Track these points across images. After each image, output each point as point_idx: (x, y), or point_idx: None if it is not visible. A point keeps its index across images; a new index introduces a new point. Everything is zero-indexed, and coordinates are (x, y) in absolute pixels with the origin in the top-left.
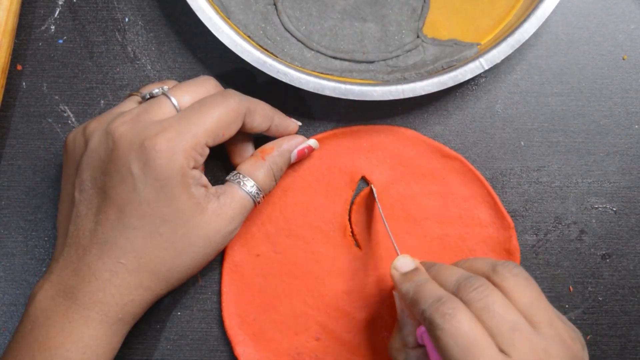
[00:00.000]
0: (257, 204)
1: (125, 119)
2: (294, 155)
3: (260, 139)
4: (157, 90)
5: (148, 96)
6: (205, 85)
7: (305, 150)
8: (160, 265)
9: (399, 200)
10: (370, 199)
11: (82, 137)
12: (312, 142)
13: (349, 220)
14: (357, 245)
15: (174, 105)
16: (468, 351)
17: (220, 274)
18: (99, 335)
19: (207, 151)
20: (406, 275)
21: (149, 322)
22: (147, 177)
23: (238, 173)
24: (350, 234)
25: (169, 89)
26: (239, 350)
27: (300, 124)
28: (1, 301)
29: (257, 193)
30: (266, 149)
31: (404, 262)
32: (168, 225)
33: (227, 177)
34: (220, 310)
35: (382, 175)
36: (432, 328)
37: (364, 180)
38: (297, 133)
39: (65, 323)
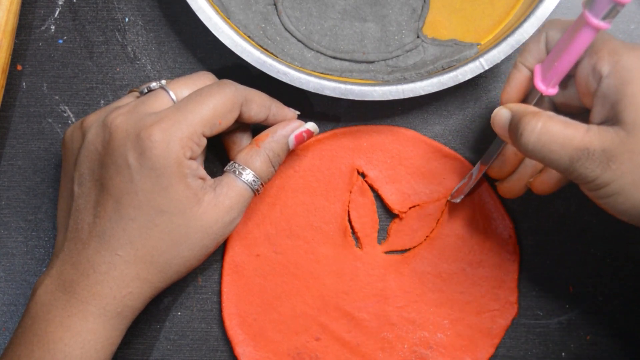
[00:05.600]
0: (257, 192)
1: (122, 111)
2: (292, 140)
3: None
4: (155, 84)
5: (146, 90)
6: (203, 80)
7: (304, 134)
8: (156, 256)
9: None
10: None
11: (79, 131)
12: (310, 125)
13: (349, 220)
14: (358, 245)
15: (172, 98)
16: None
17: (220, 274)
18: (98, 329)
19: (204, 141)
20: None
21: (149, 322)
22: (143, 167)
23: (234, 163)
24: (351, 234)
25: (167, 82)
26: (239, 350)
27: (299, 112)
28: (1, 301)
29: (254, 181)
30: (261, 136)
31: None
32: (164, 216)
33: (225, 168)
34: (220, 310)
35: (382, 175)
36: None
37: (364, 181)
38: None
39: (64, 317)
